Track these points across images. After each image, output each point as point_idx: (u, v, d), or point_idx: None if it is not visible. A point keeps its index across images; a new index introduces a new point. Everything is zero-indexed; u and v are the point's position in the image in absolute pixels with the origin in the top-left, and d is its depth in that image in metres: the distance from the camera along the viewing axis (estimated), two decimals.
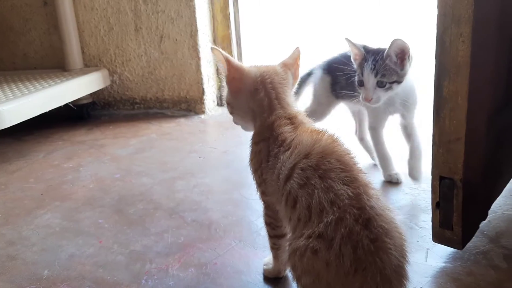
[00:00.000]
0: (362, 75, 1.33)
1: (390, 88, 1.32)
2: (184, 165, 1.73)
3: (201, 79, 2.32)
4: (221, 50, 0.97)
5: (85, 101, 2.35)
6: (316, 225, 0.76)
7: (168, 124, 2.24)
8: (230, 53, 2.40)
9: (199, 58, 2.29)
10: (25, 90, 1.97)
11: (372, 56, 1.31)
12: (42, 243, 1.25)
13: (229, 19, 2.38)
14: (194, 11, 2.23)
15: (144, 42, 2.34)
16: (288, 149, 0.87)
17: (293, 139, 0.88)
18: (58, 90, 2.04)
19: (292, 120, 0.94)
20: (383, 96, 1.33)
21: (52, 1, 2.31)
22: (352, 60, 1.38)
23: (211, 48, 1.01)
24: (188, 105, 2.38)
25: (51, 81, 2.11)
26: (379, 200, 0.79)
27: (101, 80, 2.31)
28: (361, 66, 1.34)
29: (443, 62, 0.94)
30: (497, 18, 0.99)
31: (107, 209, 1.42)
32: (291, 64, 1.01)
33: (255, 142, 0.97)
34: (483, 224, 1.18)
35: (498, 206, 1.27)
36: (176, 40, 2.30)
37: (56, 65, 2.44)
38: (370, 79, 1.31)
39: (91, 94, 2.35)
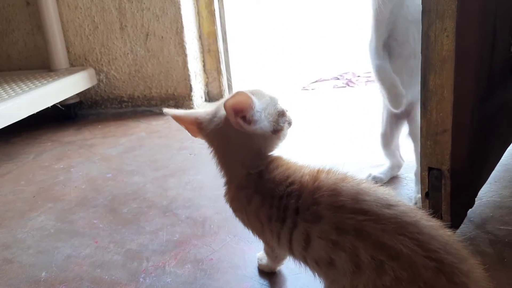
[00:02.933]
0: None
1: None
2: (175, 162, 1.74)
3: (188, 75, 2.32)
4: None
5: (72, 101, 2.33)
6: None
7: (156, 121, 2.25)
8: (216, 49, 2.42)
9: (185, 55, 2.30)
10: (12, 92, 1.96)
11: None
12: (38, 245, 1.26)
13: (214, 15, 2.38)
14: (179, 8, 2.23)
15: (130, 40, 2.33)
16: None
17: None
18: (45, 91, 2.03)
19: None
20: None
21: (35, 1, 2.29)
22: None
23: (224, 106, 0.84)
24: (176, 102, 2.38)
25: (37, 82, 2.09)
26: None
27: (88, 80, 2.30)
28: None
29: (429, 56, 0.97)
30: (479, 12, 1.02)
31: (100, 209, 1.43)
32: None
33: None
34: (469, 211, 1.22)
35: (483, 193, 1.31)
36: (162, 37, 2.29)
37: (41, 66, 2.42)
38: None
39: (78, 94, 2.34)
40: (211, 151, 0.93)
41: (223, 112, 0.86)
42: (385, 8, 1.21)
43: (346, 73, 2.97)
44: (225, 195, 0.94)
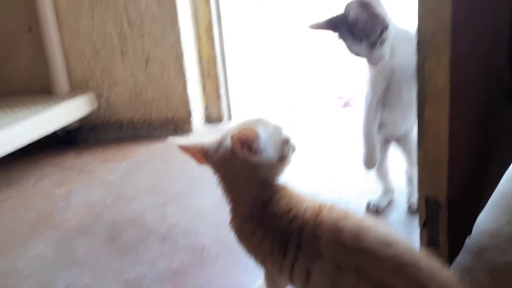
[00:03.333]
0: None
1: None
2: (174, 187, 1.75)
3: (188, 100, 2.35)
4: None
5: (73, 126, 2.35)
6: None
7: (156, 145, 2.26)
8: (216, 73, 2.44)
9: (185, 80, 2.32)
10: (13, 117, 1.97)
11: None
12: (37, 275, 1.26)
13: (213, 39, 2.41)
14: (179, 34, 2.27)
15: (131, 65, 2.36)
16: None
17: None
18: (46, 116, 2.05)
19: None
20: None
21: (37, 26, 2.32)
22: None
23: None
24: (176, 126, 2.40)
25: (39, 107, 2.11)
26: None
27: (89, 104, 2.32)
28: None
29: (424, 89, 0.98)
30: (474, 44, 1.05)
31: (100, 236, 1.44)
32: None
33: None
34: (467, 240, 1.23)
35: (480, 220, 1.32)
36: (162, 62, 2.32)
37: (42, 91, 2.44)
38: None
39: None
40: (217, 179, 0.94)
41: (229, 142, 0.88)
42: (383, 71, 1.28)
43: (345, 93, 2.99)
44: (230, 222, 0.95)
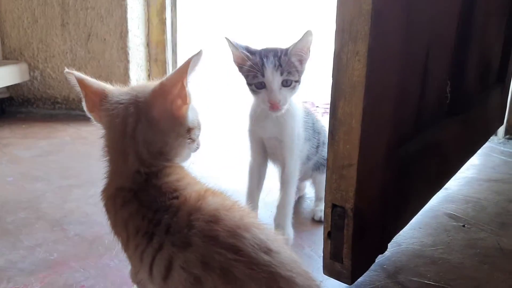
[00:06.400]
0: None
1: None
2: (88, 172, 1.59)
3: (129, 82, 2.19)
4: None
5: (0, 95, 2.17)
6: None
7: (87, 127, 2.09)
8: (164, 59, 2.30)
9: (128, 61, 2.17)
10: None
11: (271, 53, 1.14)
12: None
13: (165, 23, 2.27)
14: (125, 11, 2.12)
15: (71, 39, 2.19)
16: None
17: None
18: None
19: None
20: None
21: None
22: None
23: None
24: None
25: None
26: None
27: (18, 74, 2.14)
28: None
29: (340, 81, 0.87)
30: (401, 42, 0.94)
31: None
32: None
33: None
34: (383, 258, 1.12)
35: (404, 239, 1.21)
36: (105, 39, 2.16)
37: None
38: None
39: (8, 89, 2.18)
40: (104, 134, 0.78)
41: (147, 91, 0.74)
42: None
43: (305, 102, 2.90)
44: (102, 192, 0.79)
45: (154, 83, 0.75)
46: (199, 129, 0.80)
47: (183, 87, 0.73)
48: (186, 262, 0.63)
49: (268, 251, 0.63)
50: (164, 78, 0.74)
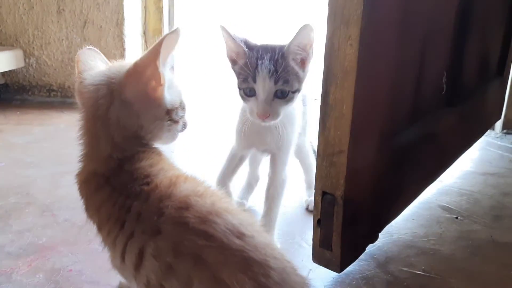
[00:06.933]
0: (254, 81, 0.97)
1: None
2: None
3: None
4: None
5: None
6: None
7: None
8: None
9: (123, 49, 2.15)
10: None
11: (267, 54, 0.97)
12: None
13: (162, 12, 2.25)
14: None
15: (66, 26, 2.17)
16: None
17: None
18: None
19: None
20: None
21: None
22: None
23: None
24: None
25: None
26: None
27: (14, 61, 2.12)
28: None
29: (331, 66, 0.85)
30: (395, 28, 0.92)
31: None
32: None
33: None
34: (374, 247, 1.11)
35: (396, 229, 1.20)
36: (101, 27, 2.15)
37: None
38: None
39: (3, 75, 2.16)
40: (81, 114, 0.75)
41: (122, 71, 0.71)
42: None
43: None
44: (76, 175, 0.77)
45: (130, 62, 0.72)
46: (183, 108, 0.78)
47: (156, 68, 0.69)
48: (157, 250, 0.62)
49: (240, 235, 0.62)
50: (138, 58, 0.71)
